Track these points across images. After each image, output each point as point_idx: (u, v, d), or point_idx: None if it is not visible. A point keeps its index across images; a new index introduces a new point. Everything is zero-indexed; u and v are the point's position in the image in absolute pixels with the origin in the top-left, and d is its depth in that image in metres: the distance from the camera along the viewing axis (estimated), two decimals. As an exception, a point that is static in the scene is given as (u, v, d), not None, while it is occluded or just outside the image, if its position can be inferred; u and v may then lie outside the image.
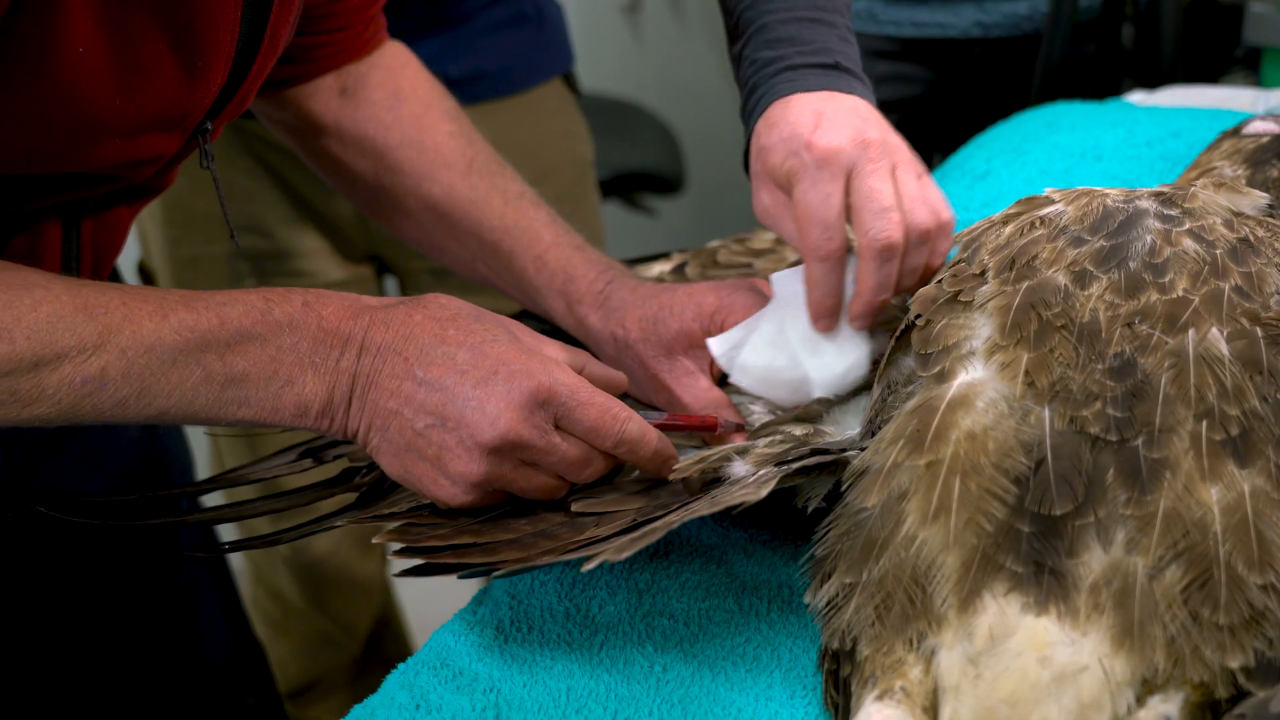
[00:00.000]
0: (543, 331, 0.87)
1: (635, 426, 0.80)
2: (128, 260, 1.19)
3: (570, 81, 1.54)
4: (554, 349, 0.83)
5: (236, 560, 1.40)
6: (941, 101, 1.90)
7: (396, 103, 1.01)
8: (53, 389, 0.73)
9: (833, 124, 0.86)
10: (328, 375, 0.78)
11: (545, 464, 0.79)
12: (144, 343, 0.75)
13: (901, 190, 0.86)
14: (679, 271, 1.09)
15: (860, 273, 0.86)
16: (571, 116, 1.53)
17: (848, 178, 0.85)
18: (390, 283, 1.59)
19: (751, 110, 0.93)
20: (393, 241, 1.44)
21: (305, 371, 0.78)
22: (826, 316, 0.88)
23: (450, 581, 0.79)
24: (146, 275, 1.45)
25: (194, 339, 0.76)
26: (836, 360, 0.88)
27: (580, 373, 0.83)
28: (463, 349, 0.78)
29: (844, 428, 0.84)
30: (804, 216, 0.86)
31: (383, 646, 1.74)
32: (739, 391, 0.93)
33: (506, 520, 0.81)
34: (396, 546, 0.80)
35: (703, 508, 0.76)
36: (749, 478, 0.79)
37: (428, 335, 0.79)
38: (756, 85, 0.94)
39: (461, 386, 0.77)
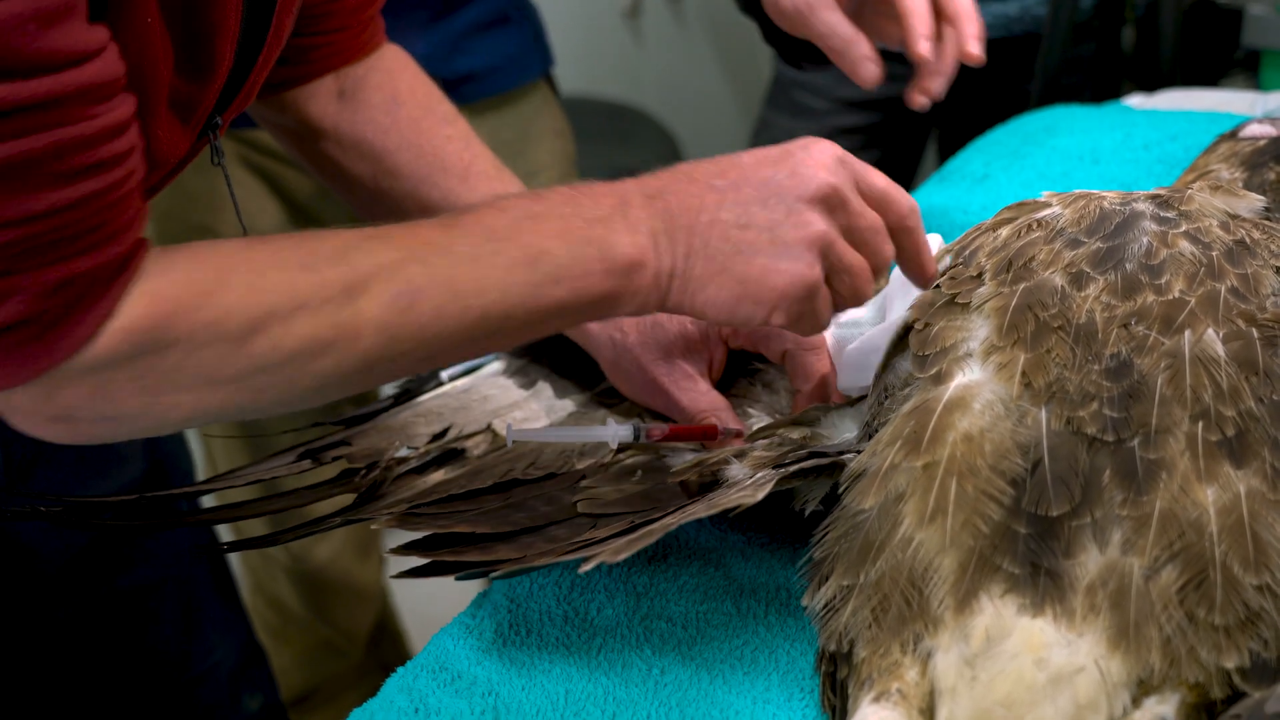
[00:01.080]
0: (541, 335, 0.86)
1: (914, 202, 0.80)
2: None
3: (550, 81, 1.56)
4: None
5: (235, 569, 1.40)
6: (934, 102, 1.90)
7: (395, 106, 1.01)
8: (372, 312, 0.70)
9: None
10: (626, 224, 0.75)
11: (857, 231, 0.77)
12: (438, 248, 0.72)
13: None
14: (678, 275, 1.09)
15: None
16: (556, 115, 1.55)
17: None
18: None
19: None
20: None
21: (602, 227, 0.75)
22: (928, 35, 0.96)
23: (448, 586, 0.79)
24: None
25: (482, 233, 0.73)
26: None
27: None
28: (743, 156, 0.78)
29: (841, 431, 0.85)
30: None
31: (380, 652, 1.75)
32: (737, 395, 0.93)
33: (505, 513, 0.81)
34: (394, 544, 0.80)
35: (700, 510, 0.76)
36: (746, 480, 0.79)
37: (699, 166, 0.78)
38: None
39: (763, 169, 0.76)
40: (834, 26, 1.00)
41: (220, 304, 0.66)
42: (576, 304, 0.75)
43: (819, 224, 0.75)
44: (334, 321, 0.69)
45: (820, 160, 0.76)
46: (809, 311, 0.77)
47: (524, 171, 1.11)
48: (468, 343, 0.74)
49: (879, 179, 0.78)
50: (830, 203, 0.76)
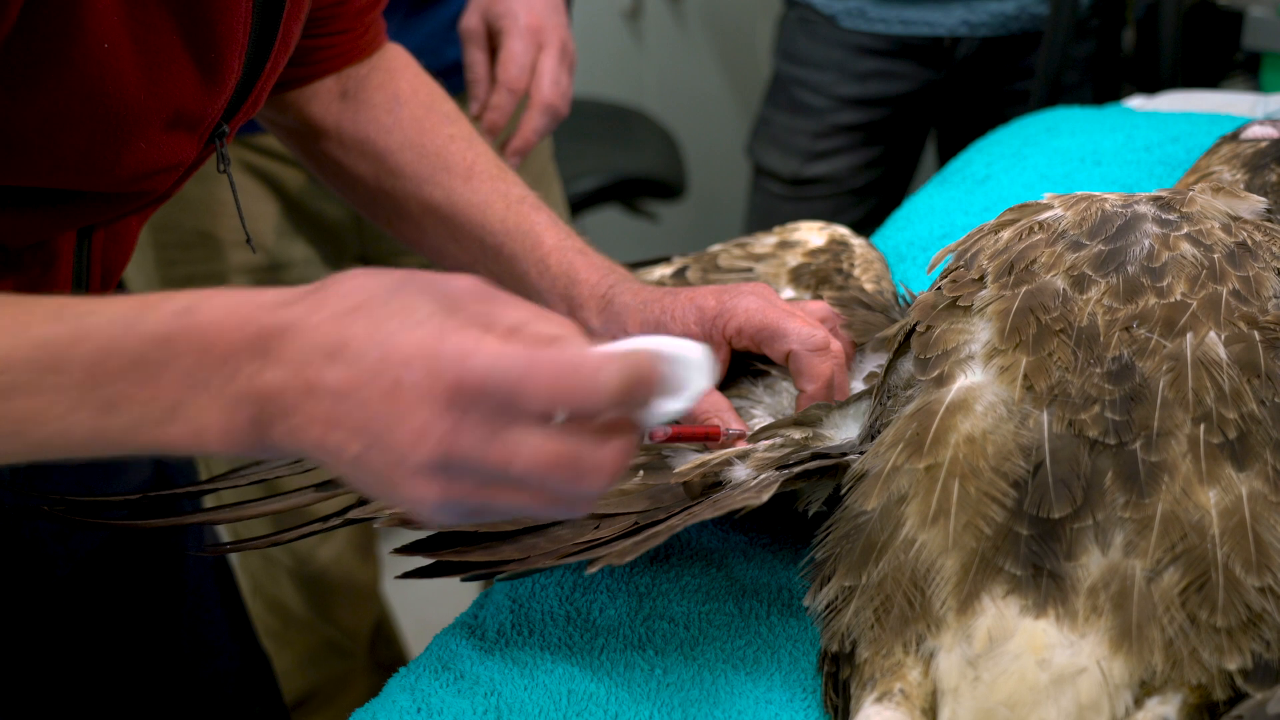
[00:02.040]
0: None
1: (618, 368, 0.57)
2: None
3: None
4: (513, 310, 0.61)
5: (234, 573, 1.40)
6: (933, 100, 1.91)
7: (397, 105, 1.02)
8: None
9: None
10: (219, 400, 0.61)
11: (514, 482, 0.59)
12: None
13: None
14: (680, 275, 1.09)
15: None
16: None
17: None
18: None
19: None
20: (381, 238, 1.45)
21: (193, 395, 0.61)
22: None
23: (449, 586, 0.79)
24: None
25: (53, 355, 0.61)
26: None
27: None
28: (370, 348, 0.59)
29: (843, 430, 0.85)
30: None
31: (376, 653, 1.75)
32: (740, 396, 0.93)
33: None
34: (393, 545, 0.80)
35: (705, 512, 0.77)
36: (750, 482, 0.79)
37: (329, 338, 0.60)
38: None
39: (374, 399, 0.58)
40: (474, 62, 1.33)
41: None
42: (156, 450, 0.63)
43: (434, 490, 0.59)
44: None
45: (435, 408, 0.58)
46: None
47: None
48: (24, 457, 0.64)
49: (539, 384, 0.57)
50: (448, 470, 0.58)
